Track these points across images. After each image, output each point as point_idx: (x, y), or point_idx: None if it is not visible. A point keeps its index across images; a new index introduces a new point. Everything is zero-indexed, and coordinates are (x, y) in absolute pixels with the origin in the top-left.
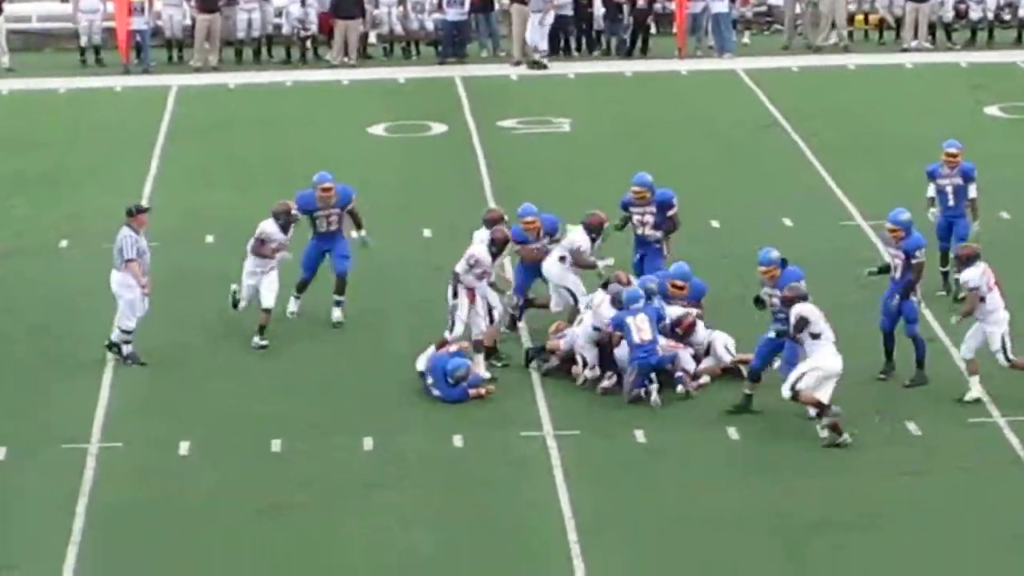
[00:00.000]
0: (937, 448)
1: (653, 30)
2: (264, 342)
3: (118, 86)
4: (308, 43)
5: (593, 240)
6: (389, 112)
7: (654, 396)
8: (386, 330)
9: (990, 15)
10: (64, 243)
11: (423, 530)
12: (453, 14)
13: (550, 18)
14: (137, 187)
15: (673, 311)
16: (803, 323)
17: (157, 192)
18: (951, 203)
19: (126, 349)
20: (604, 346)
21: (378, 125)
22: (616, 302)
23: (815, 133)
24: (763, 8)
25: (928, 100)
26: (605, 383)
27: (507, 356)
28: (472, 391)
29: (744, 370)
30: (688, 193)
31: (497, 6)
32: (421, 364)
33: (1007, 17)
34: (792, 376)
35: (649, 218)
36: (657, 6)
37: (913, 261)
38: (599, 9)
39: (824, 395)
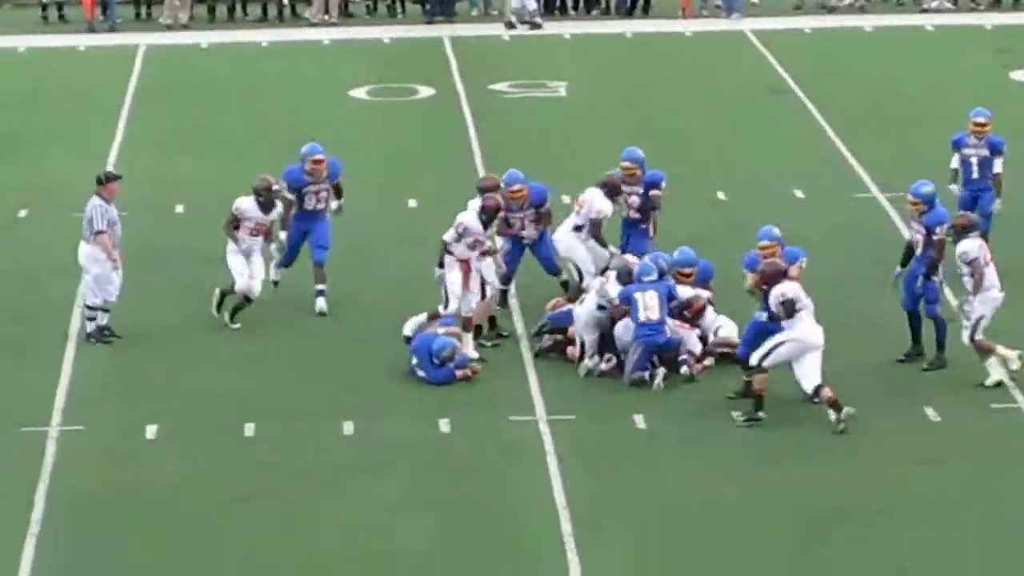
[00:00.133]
0: (957, 435)
1: None
2: (235, 325)
3: (82, 45)
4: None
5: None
6: (372, 74)
7: (658, 380)
8: (368, 307)
9: None
10: (23, 212)
11: (407, 521)
12: None
13: None
14: (102, 153)
15: (684, 291)
16: (791, 305)
17: (123, 159)
18: (975, 175)
19: (89, 326)
20: (605, 330)
21: (360, 88)
22: (623, 277)
23: (828, 99)
24: None
25: (950, 64)
26: (603, 365)
27: (506, 331)
28: (459, 372)
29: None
30: (692, 163)
31: None
32: (408, 329)
33: None
34: (767, 344)
35: (635, 199)
36: None
37: (934, 237)
38: None
39: (813, 374)
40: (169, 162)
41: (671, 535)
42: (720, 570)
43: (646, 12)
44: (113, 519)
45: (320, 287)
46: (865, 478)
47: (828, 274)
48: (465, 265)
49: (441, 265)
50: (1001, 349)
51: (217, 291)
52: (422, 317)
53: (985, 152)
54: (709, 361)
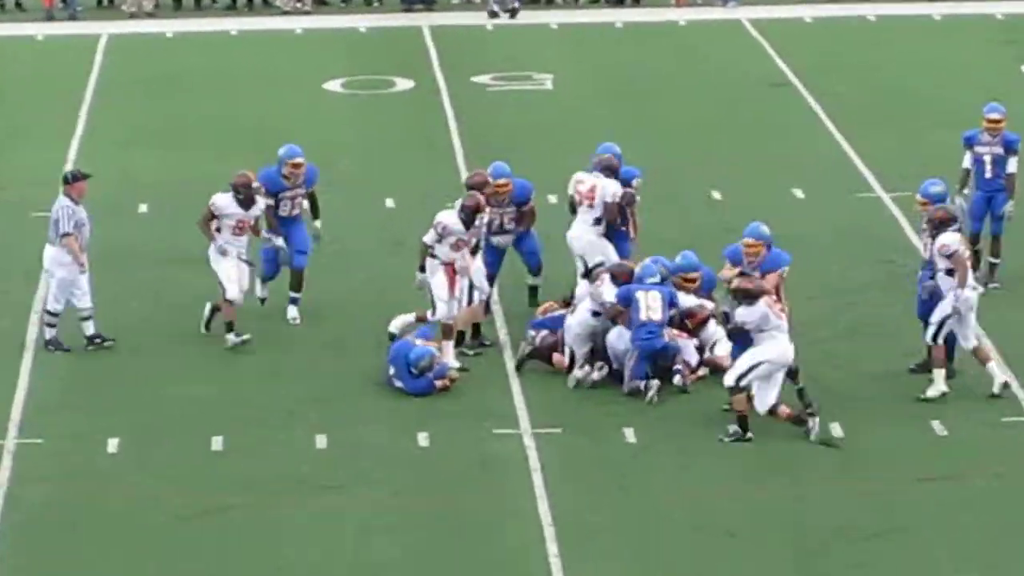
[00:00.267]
0: (966, 450)
1: None
2: (241, 337)
3: (40, 34)
4: None
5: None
6: (348, 66)
7: (651, 393)
8: (343, 313)
9: None
10: None
11: (383, 539)
12: None
13: None
14: (61, 150)
15: (687, 300)
16: (765, 321)
17: (84, 155)
18: (988, 175)
19: (48, 333)
20: (598, 341)
21: (335, 80)
22: (618, 278)
23: (830, 93)
24: None
25: (958, 56)
26: (595, 375)
27: (489, 340)
28: (439, 382)
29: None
30: (685, 160)
31: None
32: (394, 327)
33: None
34: (739, 366)
35: None
36: None
37: None
38: None
39: (773, 395)
40: (132, 159)
41: (662, 555)
42: None
43: (637, 0)
44: (73, 537)
45: (294, 295)
46: (868, 495)
47: (830, 279)
48: (450, 268)
49: (422, 269)
50: (938, 373)
51: (208, 306)
52: (410, 317)
53: (999, 150)
54: (703, 371)
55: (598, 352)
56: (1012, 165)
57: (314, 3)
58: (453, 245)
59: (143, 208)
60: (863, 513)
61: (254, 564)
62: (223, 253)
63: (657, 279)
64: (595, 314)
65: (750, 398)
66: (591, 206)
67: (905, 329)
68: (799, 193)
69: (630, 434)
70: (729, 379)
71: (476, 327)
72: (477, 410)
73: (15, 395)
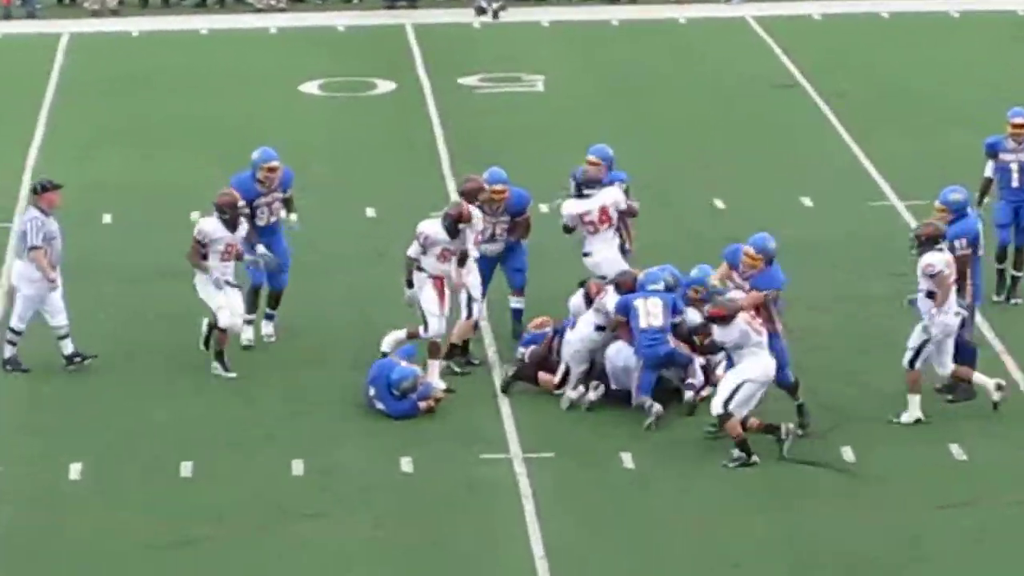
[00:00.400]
0: (987, 475)
1: None
2: (230, 374)
3: None
4: None
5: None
6: (326, 66)
7: (651, 420)
8: (320, 329)
9: None
10: None
11: (363, 571)
12: None
13: None
14: (19, 156)
15: (696, 317)
16: (746, 338)
17: (43, 162)
18: (1015, 184)
19: (8, 351)
20: (597, 358)
21: (312, 82)
22: (621, 288)
23: (840, 94)
24: None
25: (978, 55)
26: (591, 395)
27: (477, 359)
28: (423, 404)
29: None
30: (686, 166)
31: None
32: (387, 345)
33: None
34: (723, 390)
35: None
36: None
37: (958, 253)
38: None
39: (749, 405)
40: (95, 166)
41: None
42: None
43: None
44: (31, 567)
45: (271, 311)
46: (882, 524)
47: (841, 291)
48: (439, 282)
49: (410, 284)
50: (913, 399)
51: (205, 322)
52: (401, 334)
53: None
54: (708, 391)
55: (595, 371)
56: None
57: (289, 0)
58: (439, 256)
59: (107, 218)
60: (877, 543)
61: None
62: (219, 286)
63: (660, 286)
64: (599, 328)
65: (743, 422)
66: (610, 226)
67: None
68: (807, 201)
69: (628, 459)
70: (716, 406)
71: (465, 344)
72: (464, 433)
73: None
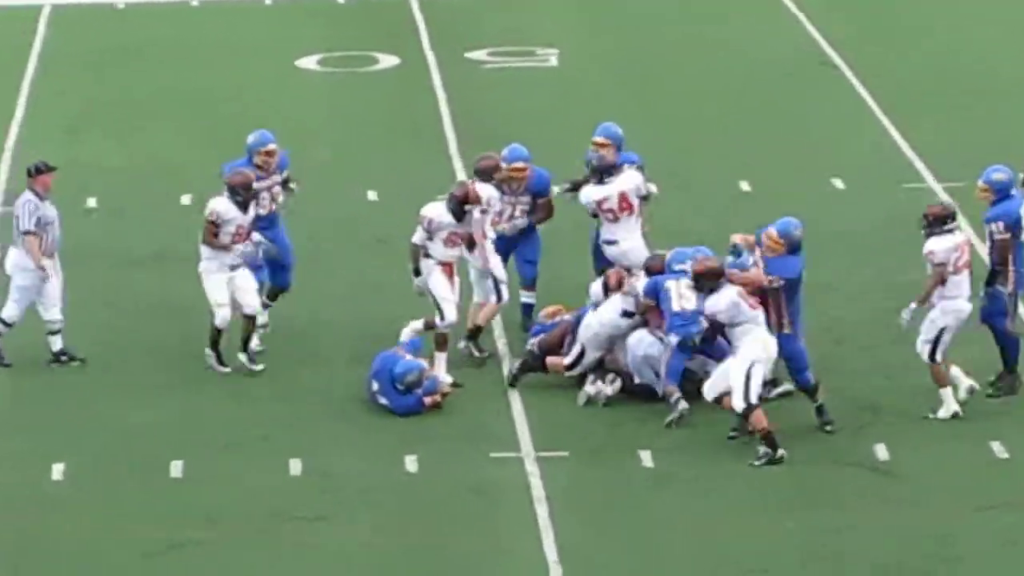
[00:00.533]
0: None
1: None
2: (257, 366)
3: None
4: None
5: None
6: (324, 40)
7: (674, 416)
8: (319, 321)
9: None
10: None
11: None
12: None
13: None
14: None
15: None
16: (737, 310)
17: (24, 142)
18: None
19: None
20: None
21: (310, 57)
22: (652, 271)
23: (876, 70)
24: None
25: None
26: (608, 389)
27: (487, 351)
28: (428, 399)
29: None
30: (710, 147)
31: None
32: (405, 337)
33: None
34: (736, 383)
35: None
36: None
37: (995, 238)
38: None
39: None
40: (78, 147)
41: None
42: None
43: None
44: (11, 574)
45: (269, 302)
46: (918, 527)
47: (876, 279)
48: (447, 268)
49: (417, 273)
50: (944, 392)
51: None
52: (418, 324)
53: None
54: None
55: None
56: None
57: None
58: (446, 241)
59: (91, 202)
60: (912, 547)
61: None
62: (217, 270)
63: (686, 266)
64: (626, 314)
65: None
66: (631, 213)
67: (962, 336)
68: (839, 183)
69: (647, 458)
70: (737, 403)
71: (475, 331)
72: (472, 430)
73: None
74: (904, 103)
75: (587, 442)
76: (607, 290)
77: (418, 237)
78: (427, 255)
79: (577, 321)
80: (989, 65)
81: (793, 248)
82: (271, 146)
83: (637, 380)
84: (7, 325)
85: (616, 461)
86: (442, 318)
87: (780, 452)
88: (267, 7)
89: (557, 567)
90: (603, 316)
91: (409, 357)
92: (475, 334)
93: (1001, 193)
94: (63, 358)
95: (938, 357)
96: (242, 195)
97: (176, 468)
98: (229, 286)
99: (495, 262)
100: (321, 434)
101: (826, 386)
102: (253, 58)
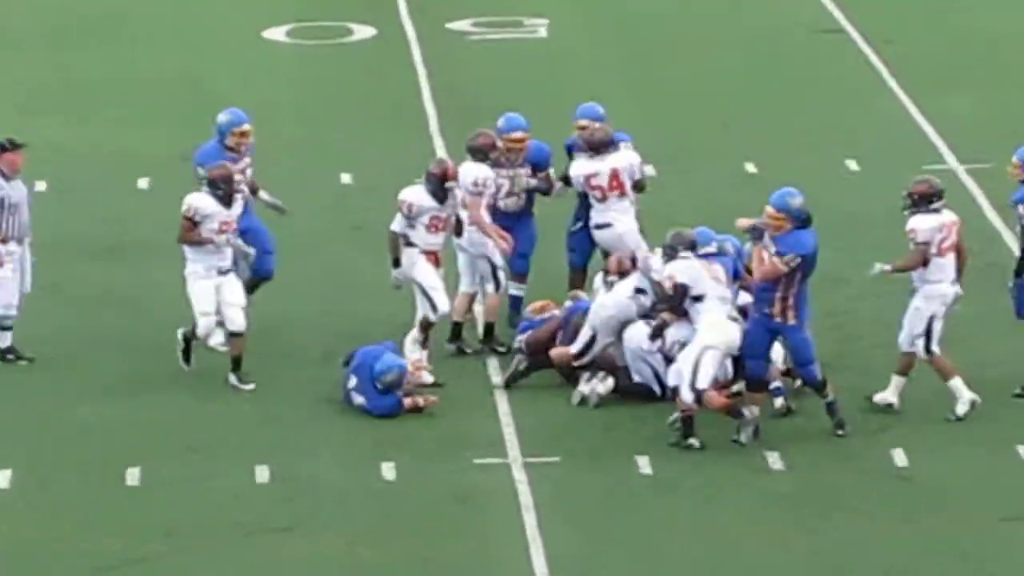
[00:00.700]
0: None
1: None
2: (248, 386)
3: None
4: None
5: None
6: (294, 9)
7: (677, 413)
8: (289, 316)
9: None
10: None
11: None
12: None
13: None
14: None
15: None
16: (682, 292)
17: None
18: None
19: None
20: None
21: (278, 28)
22: (672, 252)
23: (892, 42)
24: None
25: None
26: (599, 388)
27: (471, 347)
28: (408, 401)
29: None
30: (713, 126)
31: None
32: (409, 347)
33: None
34: (684, 370)
35: None
36: None
37: (1021, 221)
38: None
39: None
40: (32, 126)
41: None
42: None
43: None
44: None
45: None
46: (938, 537)
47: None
48: (432, 257)
49: (396, 264)
50: (955, 383)
51: (180, 333)
52: (414, 332)
53: None
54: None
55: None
56: None
57: None
58: (429, 226)
59: (41, 186)
60: (932, 560)
61: None
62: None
63: (712, 248)
64: (639, 291)
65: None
66: (622, 194)
67: (984, 332)
68: (853, 165)
69: (644, 463)
70: (684, 394)
71: (458, 328)
72: (455, 435)
73: None
74: (923, 77)
75: (580, 447)
76: (607, 277)
77: (398, 224)
78: (409, 244)
79: (567, 317)
80: (1010, 38)
81: (799, 220)
82: (245, 126)
83: (636, 379)
84: None
85: (611, 467)
86: (435, 309)
87: (748, 411)
88: None
89: None
90: (616, 297)
91: (393, 355)
92: (491, 332)
93: None
94: (9, 356)
95: (935, 349)
96: (223, 189)
97: (132, 475)
98: (216, 295)
99: (491, 246)
100: (291, 437)
101: (838, 385)
102: (216, 29)
